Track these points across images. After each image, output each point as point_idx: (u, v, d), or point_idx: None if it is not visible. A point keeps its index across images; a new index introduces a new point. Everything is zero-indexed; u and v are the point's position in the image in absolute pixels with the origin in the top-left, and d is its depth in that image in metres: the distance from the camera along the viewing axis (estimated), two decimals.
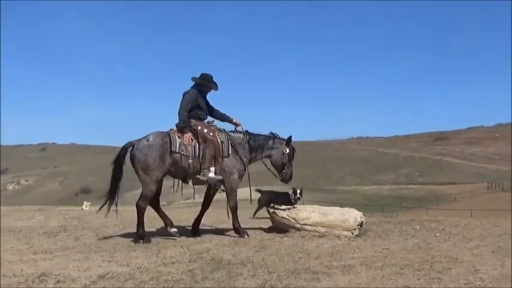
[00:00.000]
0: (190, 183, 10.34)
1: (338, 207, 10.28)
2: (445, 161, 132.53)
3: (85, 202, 21.00)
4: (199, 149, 10.08)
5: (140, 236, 10.05)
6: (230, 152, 10.30)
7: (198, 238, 9.83)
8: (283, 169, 10.68)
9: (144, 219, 10.19)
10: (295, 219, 9.70)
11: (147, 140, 9.96)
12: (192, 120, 10.26)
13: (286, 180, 10.74)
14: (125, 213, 13.65)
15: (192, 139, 10.10)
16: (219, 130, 10.50)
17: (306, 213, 9.77)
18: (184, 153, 10.01)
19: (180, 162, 10.01)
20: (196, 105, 10.33)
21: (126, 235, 10.87)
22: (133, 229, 11.42)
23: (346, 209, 10.16)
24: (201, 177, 10.06)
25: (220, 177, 10.13)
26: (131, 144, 10.08)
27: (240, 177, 10.42)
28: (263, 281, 6.56)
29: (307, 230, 9.55)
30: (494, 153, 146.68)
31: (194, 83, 10.50)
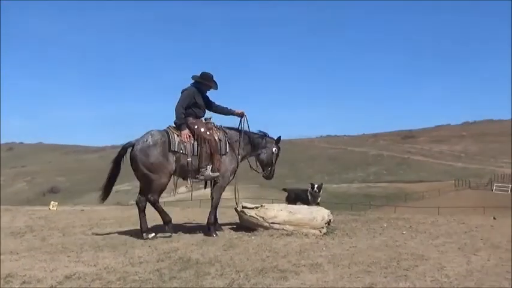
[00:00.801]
0: (189, 181, 10.37)
1: (306, 206, 10.31)
2: (413, 159, 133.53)
3: (52, 202, 20.70)
4: (197, 147, 10.10)
5: (167, 223, 10.11)
6: (228, 150, 10.39)
7: (166, 237, 9.74)
8: (268, 167, 10.93)
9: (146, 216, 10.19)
10: (263, 217, 9.68)
11: (146, 140, 9.91)
12: (189, 118, 10.25)
13: (270, 177, 10.97)
14: (92, 213, 13.56)
15: (189, 136, 10.10)
16: (217, 128, 10.52)
17: (274, 211, 9.75)
18: (183, 152, 10.01)
19: (180, 161, 10.00)
20: (194, 103, 10.31)
21: (93, 235, 10.74)
22: (100, 229, 11.35)
23: (314, 207, 10.19)
24: (200, 177, 10.16)
25: (217, 173, 10.17)
26: (131, 145, 10.03)
27: (232, 173, 10.52)
28: (231, 280, 6.53)
29: (275, 229, 9.53)
30: (461, 152, 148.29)
31: (194, 81, 10.50)
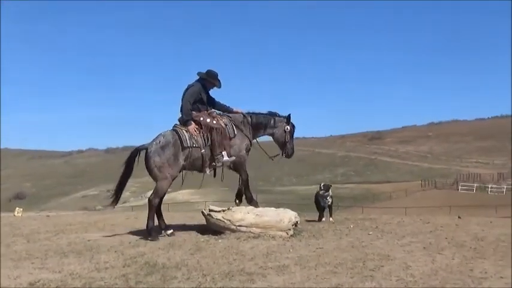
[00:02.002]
0: (207, 171, 10.68)
1: (273, 208, 10.28)
2: (380, 160, 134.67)
3: (17, 208, 20.50)
4: (207, 138, 10.46)
5: (149, 231, 10.17)
6: (236, 132, 10.78)
7: (133, 242, 9.66)
8: (285, 146, 11.34)
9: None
10: (230, 220, 9.66)
11: (159, 142, 10.24)
12: (193, 112, 10.59)
13: (289, 155, 11.41)
14: (58, 219, 13.40)
15: (197, 129, 10.46)
16: (220, 115, 10.92)
17: (241, 214, 9.74)
18: (196, 145, 10.38)
19: (193, 155, 10.39)
20: (199, 99, 10.70)
21: (58, 241, 10.60)
22: (66, 235, 11.21)
23: (281, 209, 10.16)
24: (217, 164, 10.56)
25: (233, 158, 10.62)
26: (144, 148, 10.35)
27: (247, 151, 11.02)
28: (197, 284, 6.51)
29: (242, 232, 9.52)
30: (427, 152, 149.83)
31: (199, 77, 10.83)
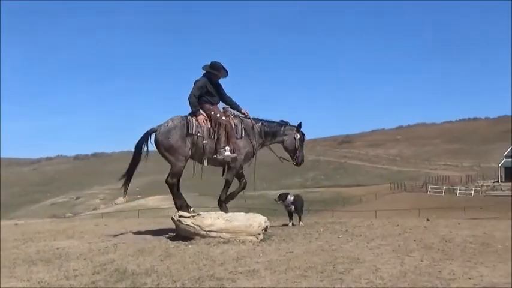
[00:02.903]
0: (205, 163, 10.95)
1: (243, 213, 10.26)
2: (349, 163, 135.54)
3: None
4: (213, 131, 10.83)
5: (180, 207, 10.64)
6: (243, 135, 11.09)
7: (102, 249, 9.57)
8: (295, 153, 11.60)
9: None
10: (200, 226, 9.62)
11: (167, 124, 10.71)
12: (206, 105, 11.03)
13: (299, 163, 11.67)
14: (26, 227, 13.24)
15: (206, 121, 10.86)
16: (233, 115, 11.23)
17: (211, 219, 9.71)
18: (200, 135, 10.75)
19: (197, 144, 10.74)
20: (207, 91, 11.06)
21: (27, 249, 10.46)
22: (34, 243, 11.08)
23: (251, 214, 10.15)
24: (218, 157, 10.79)
25: (235, 154, 10.90)
26: (153, 130, 10.81)
27: (247, 159, 11.29)
28: None
29: (212, 237, 9.48)
30: (396, 155, 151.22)
31: (204, 71, 11.22)
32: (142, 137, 10.94)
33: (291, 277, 6.80)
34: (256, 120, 11.37)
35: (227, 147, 10.79)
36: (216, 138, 10.79)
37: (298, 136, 11.54)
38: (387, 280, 6.50)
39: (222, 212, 10.28)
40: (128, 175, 11.14)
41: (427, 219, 12.98)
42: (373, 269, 7.10)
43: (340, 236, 9.98)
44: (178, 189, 10.89)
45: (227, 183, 11.03)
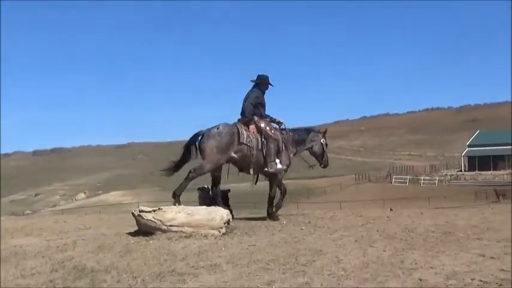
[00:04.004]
0: (251, 171, 11.50)
1: (205, 207, 10.26)
2: None
3: None
4: (262, 143, 11.34)
5: (174, 195, 10.86)
6: (283, 148, 11.67)
7: (61, 246, 9.46)
8: (322, 157, 12.46)
9: None
10: (160, 220, 9.54)
11: (217, 128, 11.02)
12: (255, 116, 11.50)
13: (326, 165, 12.61)
14: None
15: (256, 132, 11.36)
16: (276, 129, 11.84)
17: (172, 214, 9.65)
18: (250, 145, 11.21)
19: (245, 152, 11.20)
20: (260, 103, 11.71)
21: None
22: None
23: (213, 208, 10.13)
24: (270, 169, 11.45)
25: (285, 166, 11.72)
26: (202, 133, 11.10)
27: (285, 170, 11.92)
28: (128, 286, 6.44)
29: (173, 231, 9.41)
30: (360, 146, 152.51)
31: (254, 83, 11.82)
32: (191, 138, 11.27)
33: (253, 270, 6.80)
34: (287, 131, 12.04)
35: (277, 160, 11.44)
36: (265, 151, 11.34)
37: (325, 141, 12.45)
38: (350, 271, 6.54)
39: (183, 206, 10.24)
40: (176, 167, 11.44)
41: (390, 210, 13.13)
42: (335, 260, 7.15)
43: (303, 228, 10.07)
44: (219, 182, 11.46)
45: (272, 198, 11.81)
